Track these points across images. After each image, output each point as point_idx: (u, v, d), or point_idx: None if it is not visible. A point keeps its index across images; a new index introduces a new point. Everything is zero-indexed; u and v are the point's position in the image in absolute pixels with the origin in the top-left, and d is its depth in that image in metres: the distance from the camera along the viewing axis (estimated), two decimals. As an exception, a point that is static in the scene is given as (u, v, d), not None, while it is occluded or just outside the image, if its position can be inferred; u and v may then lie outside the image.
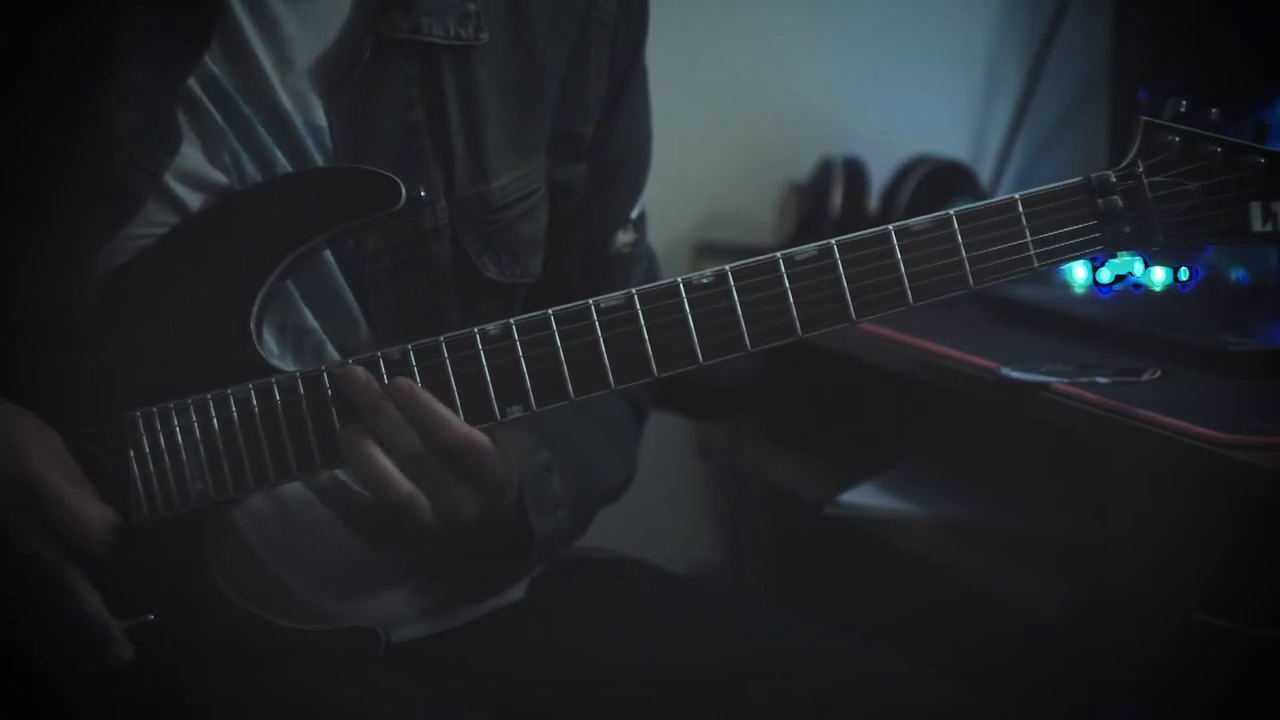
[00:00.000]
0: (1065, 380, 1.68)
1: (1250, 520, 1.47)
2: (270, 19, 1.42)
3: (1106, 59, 2.34)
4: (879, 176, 2.37)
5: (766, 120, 2.48)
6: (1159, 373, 1.70)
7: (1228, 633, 1.47)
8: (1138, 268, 2.11)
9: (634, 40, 1.58)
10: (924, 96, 2.51)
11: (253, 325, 1.38)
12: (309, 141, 1.43)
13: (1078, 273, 2.13)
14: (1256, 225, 1.38)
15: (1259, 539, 1.47)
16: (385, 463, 1.34)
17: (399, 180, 1.38)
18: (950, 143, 2.47)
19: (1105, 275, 2.12)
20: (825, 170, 2.39)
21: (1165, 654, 1.57)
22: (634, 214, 1.62)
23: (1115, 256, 2.12)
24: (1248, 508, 1.47)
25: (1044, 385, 1.69)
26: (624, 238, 1.60)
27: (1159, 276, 2.10)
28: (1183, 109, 1.38)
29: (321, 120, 1.43)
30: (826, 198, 2.37)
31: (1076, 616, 1.73)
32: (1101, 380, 1.67)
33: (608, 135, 1.57)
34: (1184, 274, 2.10)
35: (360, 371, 1.35)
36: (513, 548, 1.48)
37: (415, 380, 1.35)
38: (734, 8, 2.46)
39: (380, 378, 1.36)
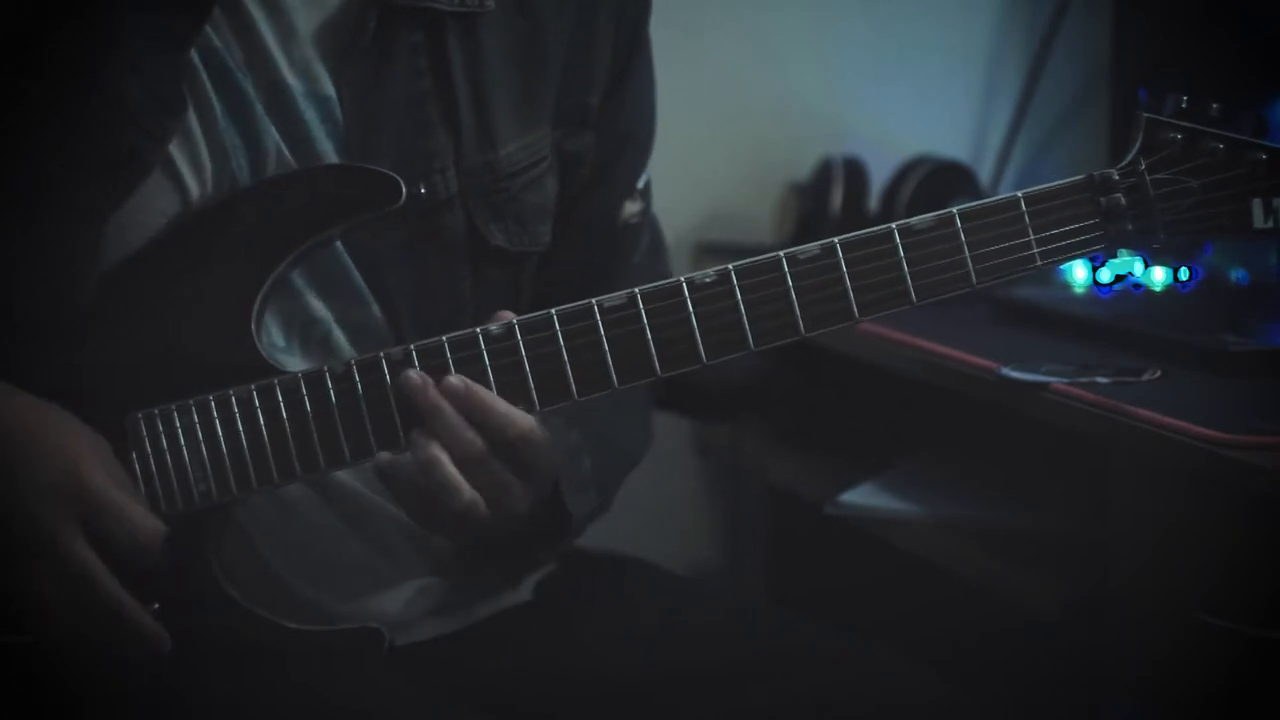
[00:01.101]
0: (1065, 380, 1.68)
1: (1250, 520, 1.47)
2: None
3: (1106, 59, 2.34)
4: (879, 176, 2.37)
5: (766, 120, 2.48)
6: (1159, 373, 1.70)
7: (1228, 633, 1.47)
8: (1138, 268, 2.11)
9: (639, 11, 1.59)
10: (924, 96, 2.51)
11: (253, 325, 1.38)
12: (311, 113, 1.43)
13: (1078, 273, 2.14)
14: (1259, 222, 1.38)
15: (1259, 539, 1.47)
16: (450, 470, 1.34)
17: (399, 179, 1.38)
18: (950, 143, 2.47)
19: (1105, 275, 2.12)
20: (825, 170, 2.40)
21: (1165, 654, 1.57)
22: (640, 184, 1.62)
23: (1116, 255, 2.12)
24: (1248, 508, 1.47)
25: (1044, 385, 1.69)
26: (631, 207, 1.61)
27: (1159, 276, 2.10)
28: (1183, 105, 1.38)
29: (328, 90, 1.43)
30: (826, 198, 2.37)
31: (1076, 616, 1.73)
32: (1101, 380, 1.67)
33: (615, 106, 1.57)
34: (1184, 274, 2.10)
35: (415, 375, 1.35)
36: (549, 532, 1.49)
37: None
38: (735, 8, 2.46)
39: (384, 379, 1.36)
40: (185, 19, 1.39)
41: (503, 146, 1.50)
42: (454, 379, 1.35)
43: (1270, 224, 1.37)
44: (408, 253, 1.46)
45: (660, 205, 1.69)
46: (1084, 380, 1.67)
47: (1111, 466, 1.63)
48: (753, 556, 2.48)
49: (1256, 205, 1.37)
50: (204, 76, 1.40)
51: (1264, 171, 1.37)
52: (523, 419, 1.36)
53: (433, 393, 1.35)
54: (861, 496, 2.02)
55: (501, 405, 1.35)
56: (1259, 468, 1.44)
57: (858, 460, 2.10)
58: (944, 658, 1.57)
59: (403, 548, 1.51)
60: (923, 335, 1.93)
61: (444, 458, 1.34)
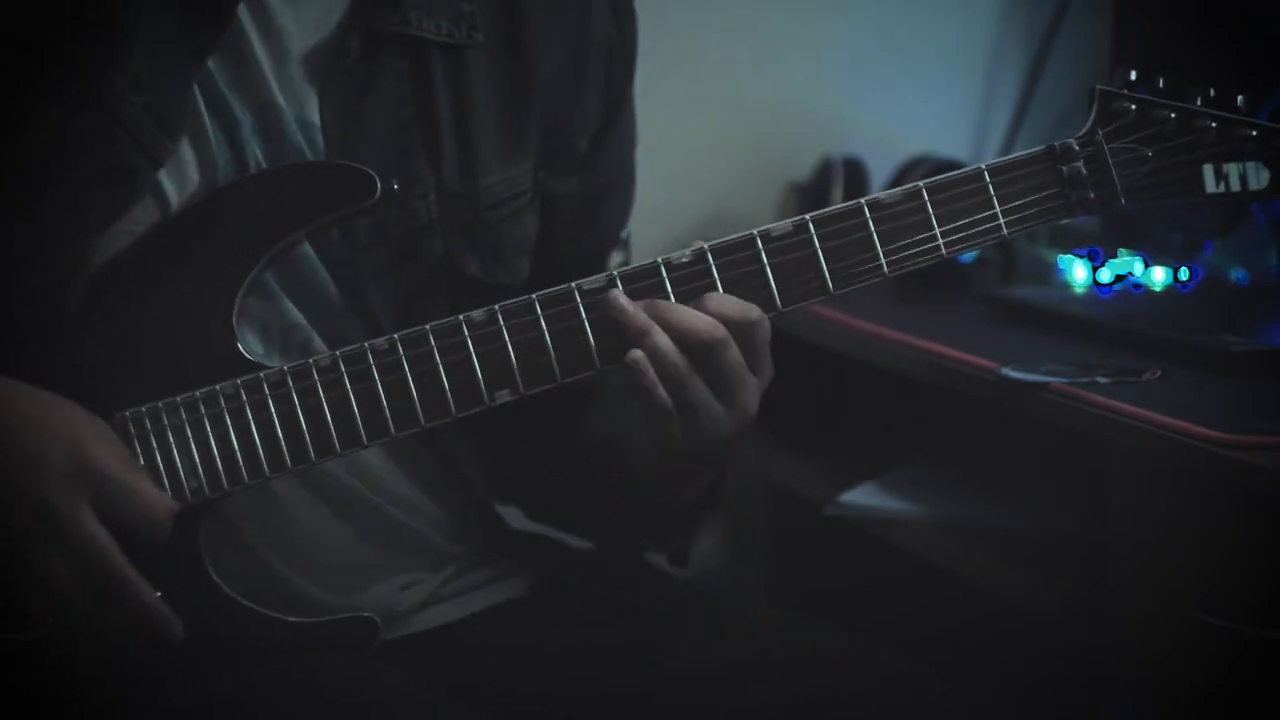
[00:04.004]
0: (1065, 380, 1.68)
1: (1250, 520, 1.47)
2: (266, 12, 1.43)
3: (1106, 59, 2.34)
4: (879, 176, 2.37)
5: (766, 120, 2.48)
6: (1159, 373, 1.70)
7: (1228, 633, 1.47)
8: (1138, 268, 2.11)
9: (626, 61, 1.60)
10: (924, 96, 2.51)
11: (235, 321, 1.39)
12: (300, 138, 1.44)
13: (1078, 273, 2.14)
14: (1210, 187, 1.43)
15: (1259, 539, 1.47)
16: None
17: (374, 174, 1.39)
18: (950, 143, 2.47)
19: (1105, 275, 2.12)
20: (825, 170, 2.40)
21: (1165, 654, 1.57)
22: (624, 234, 1.63)
23: (1115, 255, 2.13)
24: (1248, 508, 1.47)
25: (1044, 385, 1.69)
26: (617, 258, 1.62)
27: (1159, 276, 2.10)
28: (1132, 78, 1.43)
29: (314, 116, 1.44)
30: (826, 198, 2.36)
31: (1076, 616, 1.73)
32: (1101, 380, 1.67)
33: (599, 152, 1.59)
34: (1184, 274, 2.10)
35: (623, 296, 1.37)
36: (714, 489, 1.53)
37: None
38: (735, 8, 2.46)
39: (370, 369, 1.37)
40: (199, 40, 1.40)
41: (484, 177, 1.50)
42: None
43: (1222, 189, 1.43)
44: (387, 276, 1.46)
45: (660, 205, 1.69)
46: (1084, 380, 1.67)
47: (1111, 466, 1.63)
48: (753, 556, 2.48)
49: (1207, 170, 1.43)
50: (198, 97, 1.41)
51: (1213, 139, 1.43)
52: (751, 308, 1.38)
53: (642, 314, 1.37)
54: (861, 496, 2.02)
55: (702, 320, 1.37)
56: (1259, 468, 1.44)
57: (858, 460, 2.10)
58: (944, 658, 1.57)
59: (394, 542, 1.51)
60: (923, 335, 1.93)
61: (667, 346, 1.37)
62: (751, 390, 1.39)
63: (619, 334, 1.38)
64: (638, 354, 1.37)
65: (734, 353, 1.37)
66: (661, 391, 1.37)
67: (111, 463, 1.34)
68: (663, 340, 1.37)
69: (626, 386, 1.40)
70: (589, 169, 1.58)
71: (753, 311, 1.38)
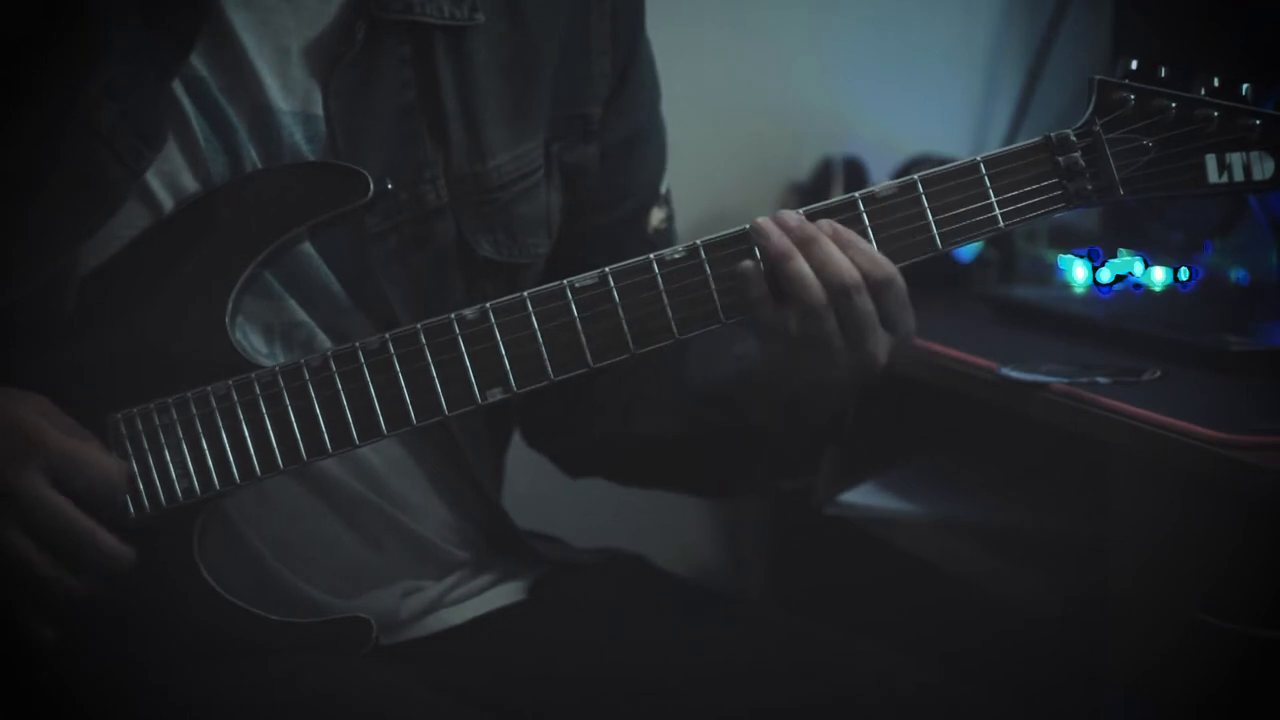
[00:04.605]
0: (1065, 380, 1.68)
1: (1250, 520, 1.47)
2: (262, 14, 1.43)
3: (1107, 59, 2.34)
4: (879, 176, 2.37)
5: (766, 120, 2.48)
6: (1159, 373, 1.70)
7: (1228, 633, 1.47)
8: (1138, 268, 2.11)
9: (633, 14, 1.59)
10: (924, 96, 2.51)
11: (227, 321, 1.39)
12: (298, 134, 1.43)
13: (1078, 273, 2.14)
14: (1213, 177, 1.41)
15: (1259, 539, 1.47)
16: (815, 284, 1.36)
17: (367, 173, 1.39)
18: (950, 142, 2.46)
19: (1105, 275, 2.12)
20: (825, 170, 2.39)
21: (1165, 654, 1.57)
22: (663, 189, 1.63)
23: (1115, 255, 2.13)
24: (1248, 508, 1.47)
25: (1044, 385, 1.68)
26: (659, 214, 1.61)
27: (1159, 276, 2.10)
28: (1133, 68, 1.41)
29: (317, 109, 1.44)
30: (826, 198, 2.35)
31: (1075, 616, 1.73)
32: (1101, 380, 1.67)
33: (616, 111, 1.58)
34: (1184, 274, 2.10)
35: (793, 216, 1.38)
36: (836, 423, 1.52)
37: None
38: (734, 7, 2.46)
39: (362, 369, 1.37)
40: (170, 49, 1.39)
41: (491, 158, 1.50)
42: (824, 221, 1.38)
43: (1225, 179, 1.41)
44: (401, 263, 1.46)
45: (659, 205, 1.69)
46: (1084, 380, 1.67)
47: (1111, 466, 1.63)
48: (753, 556, 2.48)
49: (1210, 160, 1.41)
50: (187, 104, 1.41)
51: (1216, 128, 1.40)
52: (887, 264, 1.37)
53: (808, 225, 1.37)
54: (861, 496, 2.02)
55: (868, 246, 1.37)
56: (1259, 468, 1.44)
57: (858, 460, 2.10)
58: (944, 657, 1.57)
59: (398, 548, 1.51)
60: (923, 335, 1.92)
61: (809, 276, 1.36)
62: (880, 341, 1.39)
63: (611, 332, 1.38)
64: (748, 264, 1.37)
65: (865, 301, 1.37)
66: (770, 309, 1.36)
67: (56, 435, 1.34)
68: (804, 267, 1.36)
69: (725, 341, 1.40)
70: (607, 130, 1.58)
71: (885, 267, 1.37)
